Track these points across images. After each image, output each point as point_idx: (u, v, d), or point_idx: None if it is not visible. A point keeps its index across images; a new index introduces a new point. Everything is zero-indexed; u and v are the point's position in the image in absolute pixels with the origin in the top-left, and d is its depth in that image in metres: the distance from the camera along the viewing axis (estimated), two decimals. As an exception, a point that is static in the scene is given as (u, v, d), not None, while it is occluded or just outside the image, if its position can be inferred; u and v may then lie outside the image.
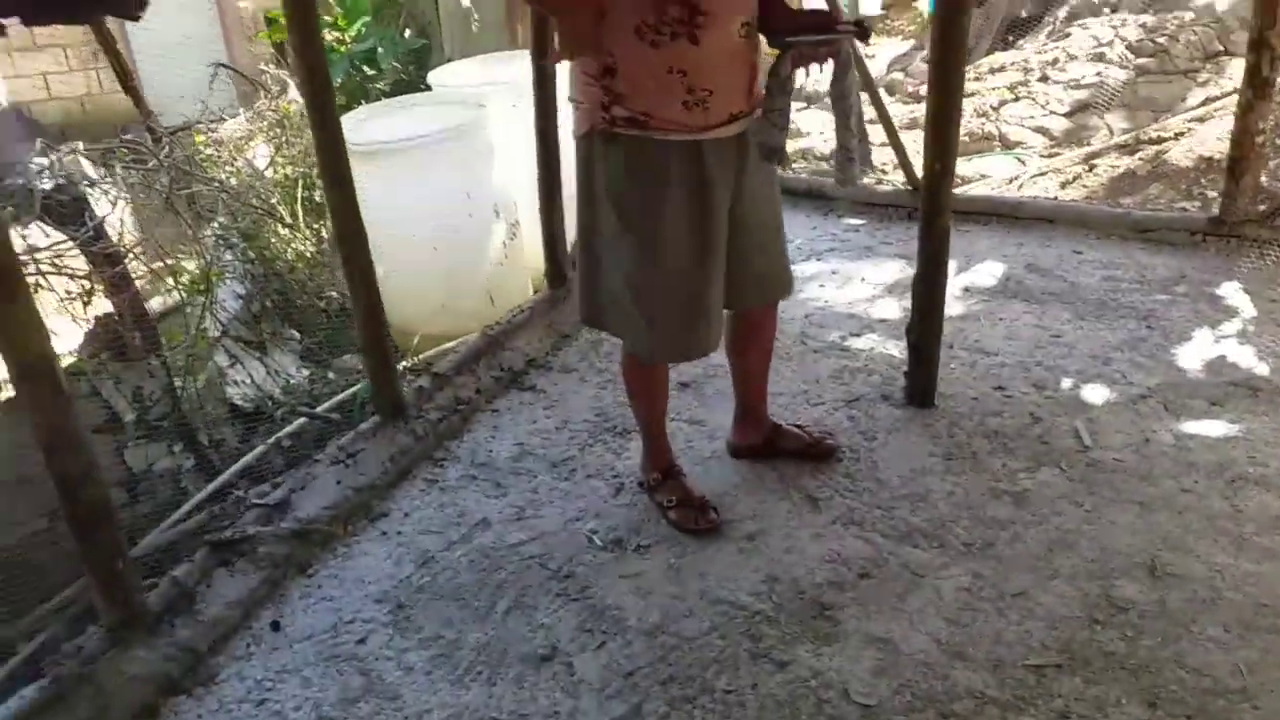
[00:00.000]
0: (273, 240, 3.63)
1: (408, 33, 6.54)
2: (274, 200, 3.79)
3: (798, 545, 2.25)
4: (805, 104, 6.17)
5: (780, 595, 2.11)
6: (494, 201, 3.92)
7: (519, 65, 4.82)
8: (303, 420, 2.80)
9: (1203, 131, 4.98)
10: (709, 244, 2.02)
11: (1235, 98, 3.41)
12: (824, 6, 3.62)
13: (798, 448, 2.51)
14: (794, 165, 5.08)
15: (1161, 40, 5.51)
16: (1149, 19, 5.76)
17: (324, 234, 3.67)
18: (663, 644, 2.01)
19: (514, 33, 5.39)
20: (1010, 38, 7.04)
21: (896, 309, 3.26)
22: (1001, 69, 5.80)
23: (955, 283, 3.40)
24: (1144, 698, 1.81)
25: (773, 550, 2.24)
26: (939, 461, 2.50)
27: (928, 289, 2.64)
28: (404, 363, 3.00)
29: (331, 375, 3.18)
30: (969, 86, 5.82)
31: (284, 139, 4.10)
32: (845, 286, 3.48)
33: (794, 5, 2.29)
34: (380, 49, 6.30)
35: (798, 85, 2.18)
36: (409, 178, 3.27)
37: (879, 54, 9.18)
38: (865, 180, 4.30)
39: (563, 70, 3.15)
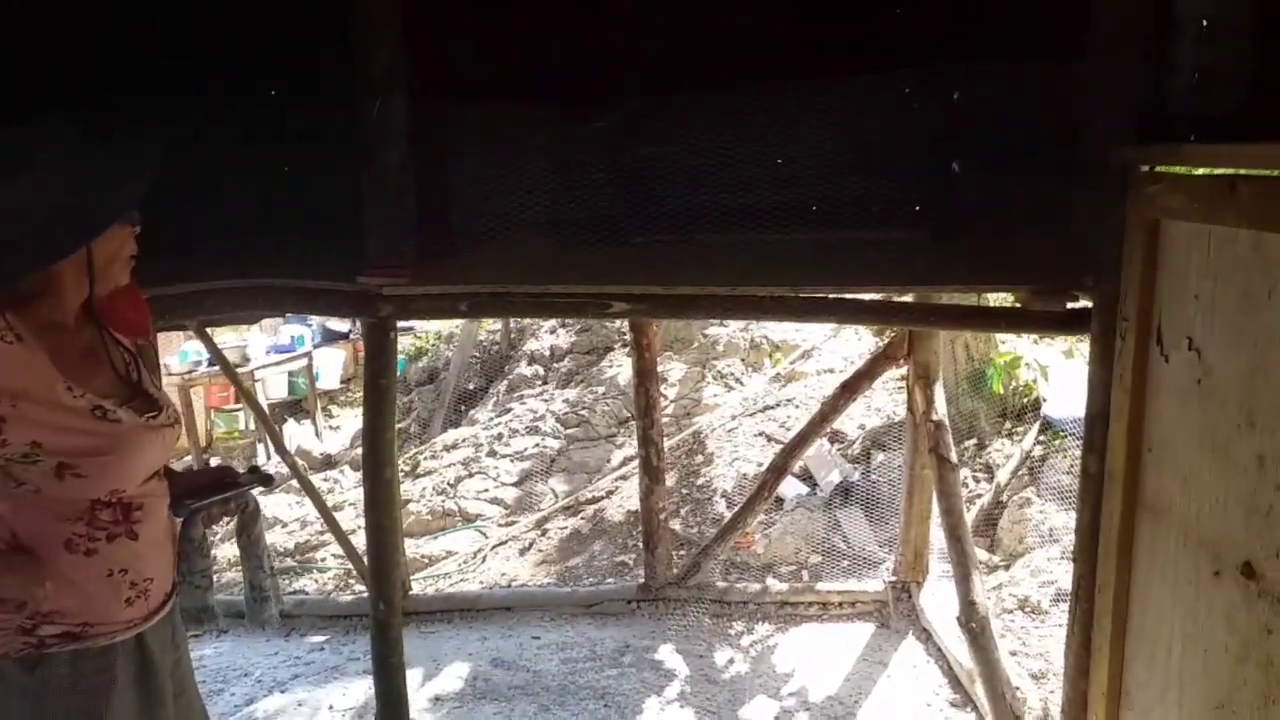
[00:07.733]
0: None
1: None
2: None
3: None
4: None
5: None
6: None
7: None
8: None
9: (626, 488, 5.80)
10: None
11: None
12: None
13: None
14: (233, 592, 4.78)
15: (584, 411, 6.45)
16: (571, 393, 6.74)
17: None
18: None
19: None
20: (463, 407, 7.74)
21: (368, 740, 3.11)
22: (455, 446, 6.27)
23: (423, 693, 3.37)
24: None
25: None
26: None
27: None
28: None
29: None
30: (428, 465, 6.19)
31: None
32: (312, 721, 3.26)
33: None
34: None
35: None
36: None
37: (344, 426, 9.45)
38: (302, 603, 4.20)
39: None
